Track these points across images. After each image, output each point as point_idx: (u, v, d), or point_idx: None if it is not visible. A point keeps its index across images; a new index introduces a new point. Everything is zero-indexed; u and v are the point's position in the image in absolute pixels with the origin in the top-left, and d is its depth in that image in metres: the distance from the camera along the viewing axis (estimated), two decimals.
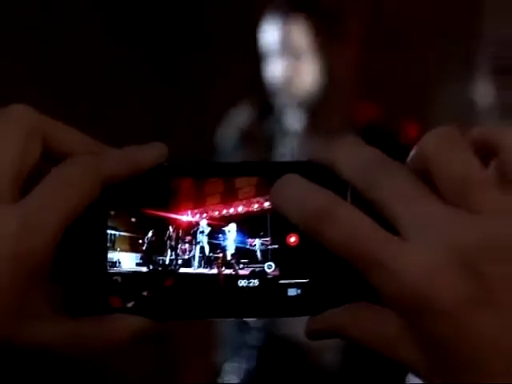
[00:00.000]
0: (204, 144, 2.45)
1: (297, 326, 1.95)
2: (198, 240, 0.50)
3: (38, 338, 0.47)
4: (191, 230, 0.50)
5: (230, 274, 0.50)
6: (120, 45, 3.61)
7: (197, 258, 0.50)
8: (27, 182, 0.47)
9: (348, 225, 0.44)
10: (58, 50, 3.37)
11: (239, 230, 0.50)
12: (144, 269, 0.50)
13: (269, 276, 0.50)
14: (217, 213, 0.50)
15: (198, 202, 0.50)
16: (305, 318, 0.49)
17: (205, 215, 0.50)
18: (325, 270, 0.49)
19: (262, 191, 0.49)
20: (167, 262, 0.50)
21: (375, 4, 3.18)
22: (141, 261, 0.50)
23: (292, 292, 0.50)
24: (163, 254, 0.50)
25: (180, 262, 0.50)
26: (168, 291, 0.50)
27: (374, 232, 0.44)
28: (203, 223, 0.50)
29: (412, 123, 2.29)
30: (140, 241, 0.50)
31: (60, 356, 0.49)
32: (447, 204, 0.44)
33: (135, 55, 3.63)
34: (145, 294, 0.50)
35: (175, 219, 0.50)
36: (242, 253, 0.50)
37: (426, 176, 0.45)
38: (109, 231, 0.50)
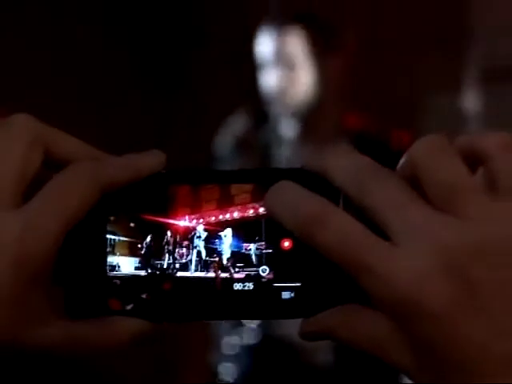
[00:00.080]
0: (202, 151, 2.45)
1: (290, 327, 1.95)
2: (194, 245, 0.50)
3: (38, 339, 0.47)
4: (188, 234, 0.50)
5: (226, 278, 0.50)
6: (120, 55, 3.60)
7: (194, 262, 0.50)
8: (29, 189, 0.47)
9: (340, 230, 0.44)
10: (60, 58, 3.35)
11: (235, 234, 0.50)
12: (143, 272, 0.50)
13: (263, 279, 0.50)
14: (213, 218, 0.50)
15: (194, 208, 0.50)
16: (298, 319, 0.49)
17: (201, 221, 0.50)
18: (318, 273, 0.49)
19: (256, 197, 0.49)
20: (165, 265, 0.50)
21: (367, 16, 3.19)
22: (139, 265, 0.50)
23: (286, 295, 0.49)
24: (161, 258, 0.50)
25: (177, 265, 0.50)
26: (166, 294, 0.50)
27: (365, 238, 0.44)
28: (200, 228, 0.50)
29: (402, 132, 2.30)
30: (139, 245, 0.50)
31: (60, 357, 0.48)
32: (436, 210, 0.44)
33: (135, 65, 3.62)
34: (144, 296, 0.50)
35: (173, 224, 0.50)
36: (238, 257, 0.50)
37: (415, 183, 0.45)
38: (108, 236, 0.50)
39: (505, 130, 0.46)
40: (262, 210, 0.49)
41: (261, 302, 0.50)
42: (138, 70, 3.64)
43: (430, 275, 0.42)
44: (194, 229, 0.50)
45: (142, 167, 0.49)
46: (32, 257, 0.45)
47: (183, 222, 0.50)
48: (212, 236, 0.50)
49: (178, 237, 0.50)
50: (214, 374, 2.29)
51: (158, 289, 0.50)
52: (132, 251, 0.50)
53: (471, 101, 3.24)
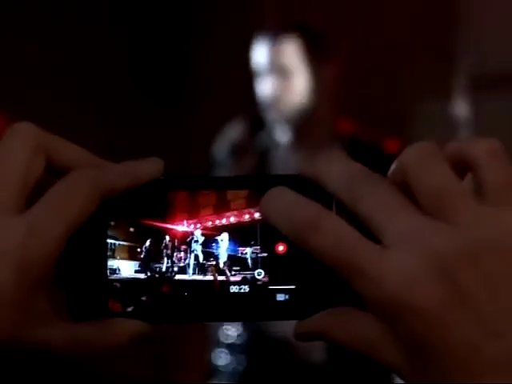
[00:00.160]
0: (202, 157, 2.46)
1: (285, 326, 1.95)
2: (192, 249, 0.50)
3: (41, 340, 0.47)
4: (186, 239, 0.50)
5: (223, 281, 0.50)
6: (119, 55, 3.57)
7: (191, 266, 0.50)
8: (32, 194, 0.47)
9: (333, 235, 0.44)
10: (60, 58, 3.32)
11: (231, 239, 0.50)
12: (142, 276, 0.50)
13: (259, 282, 0.50)
14: (210, 223, 0.50)
15: (192, 214, 0.50)
16: (293, 321, 0.49)
17: (199, 225, 0.50)
18: (311, 276, 0.49)
19: (252, 203, 0.49)
20: (164, 269, 0.50)
21: (359, 26, 3.19)
22: (139, 268, 0.50)
23: (280, 297, 0.49)
24: (160, 261, 0.50)
25: (176, 269, 0.50)
26: (165, 296, 0.50)
27: (357, 242, 0.44)
28: (197, 233, 0.50)
29: (393, 138, 2.30)
30: (138, 249, 0.50)
31: (63, 357, 0.48)
32: (426, 215, 0.44)
33: (134, 67, 3.60)
34: (143, 299, 0.50)
35: (171, 229, 0.50)
36: (234, 260, 0.50)
37: (405, 188, 0.45)
38: (109, 240, 0.50)
39: (494, 137, 0.46)
40: (257, 215, 0.49)
41: (256, 304, 0.50)
42: (138, 72, 3.62)
43: (420, 277, 0.42)
44: (192, 233, 0.50)
45: (140, 174, 0.49)
46: (35, 262, 0.45)
47: (181, 227, 0.50)
48: (209, 240, 0.50)
49: (176, 241, 0.50)
50: (211, 373, 2.29)
51: (157, 291, 0.50)
52: (132, 255, 0.50)
53: (461, 108, 3.24)
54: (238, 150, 2.30)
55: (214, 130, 2.42)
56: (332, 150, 0.47)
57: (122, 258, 0.50)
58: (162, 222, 0.50)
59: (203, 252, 0.50)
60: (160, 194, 0.50)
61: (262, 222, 0.48)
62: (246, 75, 2.29)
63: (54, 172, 0.49)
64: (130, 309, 0.50)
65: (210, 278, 0.50)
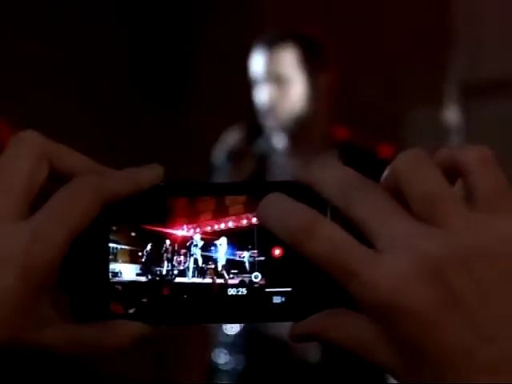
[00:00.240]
0: (201, 158, 2.46)
1: (282, 327, 1.95)
2: (192, 252, 0.50)
3: (45, 340, 0.47)
4: (186, 243, 0.50)
5: (221, 283, 0.50)
6: (119, 56, 3.55)
7: (191, 269, 0.50)
8: (35, 201, 0.47)
9: (327, 240, 0.44)
10: (60, 58, 3.30)
11: (229, 243, 0.50)
12: (143, 278, 0.50)
13: (256, 285, 0.50)
14: (209, 228, 0.50)
15: (191, 219, 0.50)
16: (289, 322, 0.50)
17: (198, 230, 0.50)
18: (307, 279, 0.49)
19: (249, 208, 0.49)
20: (164, 272, 0.50)
21: (354, 35, 3.19)
22: (140, 271, 0.50)
23: (277, 299, 0.49)
24: (160, 265, 0.50)
25: (176, 272, 0.50)
26: (165, 299, 0.50)
27: (350, 246, 0.44)
28: (197, 237, 0.50)
29: (386, 144, 2.31)
30: (139, 253, 0.50)
31: (65, 358, 0.48)
32: (418, 219, 0.44)
33: (134, 69, 3.58)
34: (144, 301, 0.50)
35: (171, 234, 0.50)
36: (232, 264, 0.50)
37: (398, 194, 0.45)
38: (111, 244, 0.50)
39: (484, 143, 0.46)
40: (254, 220, 0.49)
41: (254, 306, 0.50)
42: (138, 72, 3.60)
43: (413, 281, 0.42)
44: (191, 238, 0.50)
45: (141, 181, 0.49)
46: (38, 267, 0.45)
47: (181, 232, 0.50)
48: (208, 244, 0.50)
49: (176, 245, 0.50)
50: (211, 372, 2.29)
51: (158, 294, 0.50)
52: (133, 259, 0.50)
53: (452, 114, 3.24)
54: (236, 156, 2.31)
55: (213, 132, 2.42)
56: (326, 157, 0.47)
57: (123, 262, 0.50)
58: (163, 227, 0.50)
59: (202, 256, 0.50)
60: (160, 199, 0.50)
61: (259, 226, 0.48)
62: (245, 82, 2.29)
63: (57, 179, 0.49)
64: (131, 311, 0.50)
65: (208, 280, 0.50)
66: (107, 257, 0.50)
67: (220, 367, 2.25)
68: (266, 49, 2.22)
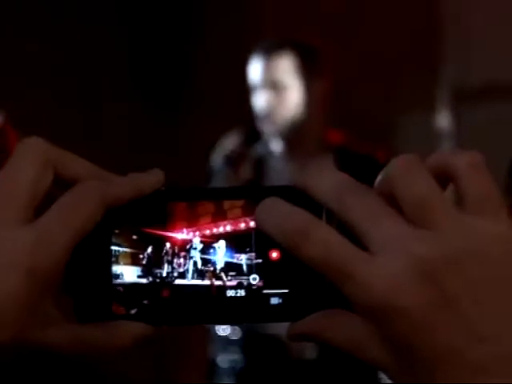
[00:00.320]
0: (202, 164, 2.46)
1: (280, 327, 1.96)
2: (191, 255, 0.50)
3: (49, 339, 0.47)
4: (185, 246, 0.50)
5: (220, 285, 0.50)
6: (119, 57, 3.54)
7: (190, 271, 0.50)
8: (40, 205, 0.48)
9: (322, 243, 0.44)
10: (60, 58, 3.27)
11: (228, 246, 0.50)
12: (144, 280, 0.50)
13: (254, 287, 0.50)
14: (208, 231, 0.50)
15: (191, 222, 0.50)
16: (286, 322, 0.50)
17: (197, 233, 0.50)
18: (303, 281, 0.49)
19: (247, 212, 0.49)
20: (164, 274, 0.50)
21: (348, 43, 3.20)
22: (141, 273, 0.50)
23: (274, 301, 0.50)
24: (161, 267, 0.50)
25: (176, 274, 0.50)
26: (165, 300, 0.50)
27: (345, 249, 0.44)
28: (196, 240, 0.50)
29: (379, 148, 2.31)
30: (140, 256, 0.50)
31: (69, 357, 0.49)
32: (410, 222, 0.44)
33: (136, 81, 3.57)
34: (145, 302, 0.50)
35: (171, 237, 0.50)
36: (230, 266, 0.50)
37: (391, 198, 0.45)
38: (113, 247, 0.50)
39: (475, 147, 0.46)
40: (252, 223, 0.49)
41: (251, 307, 0.50)
42: (138, 72, 3.58)
43: (405, 282, 0.42)
44: (191, 241, 0.50)
45: (143, 186, 0.49)
46: (43, 269, 0.46)
47: (181, 235, 0.50)
48: (207, 247, 0.50)
49: (176, 248, 0.50)
50: (211, 370, 2.30)
51: (158, 295, 0.50)
52: (134, 261, 0.50)
53: (444, 119, 3.25)
54: (234, 160, 2.31)
55: (212, 132, 2.43)
56: (322, 163, 0.47)
57: (125, 264, 0.50)
58: (163, 230, 0.50)
59: (201, 258, 0.50)
60: (161, 204, 0.50)
61: (257, 230, 0.48)
62: (244, 83, 2.30)
63: (61, 184, 0.49)
64: (133, 311, 0.50)
65: (207, 282, 0.50)
66: (109, 259, 0.50)
67: (219, 365, 2.25)
68: (263, 56, 2.23)
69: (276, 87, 2.22)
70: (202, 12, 3.60)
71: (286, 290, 0.49)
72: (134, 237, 0.50)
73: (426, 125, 3.21)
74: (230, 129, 2.39)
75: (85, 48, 3.36)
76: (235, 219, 0.50)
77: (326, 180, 0.47)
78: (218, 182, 2.30)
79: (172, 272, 0.50)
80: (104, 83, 3.41)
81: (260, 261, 0.50)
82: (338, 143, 2.31)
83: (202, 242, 0.50)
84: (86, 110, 3.35)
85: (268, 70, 2.22)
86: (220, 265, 0.50)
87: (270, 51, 2.24)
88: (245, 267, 0.50)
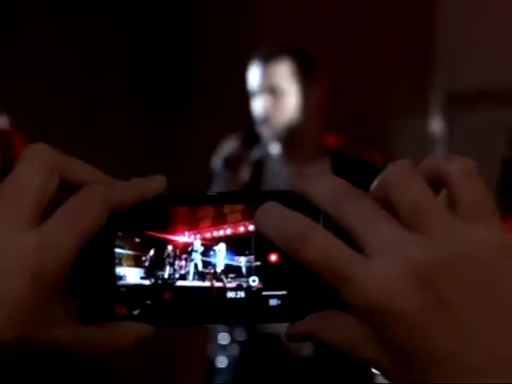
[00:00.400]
0: (202, 164, 2.46)
1: (278, 326, 1.96)
2: (192, 257, 0.50)
3: (55, 339, 0.48)
4: (187, 249, 0.50)
5: (220, 287, 0.50)
6: (120, 57, 3.52)
7: (191, 273, 0.50)
8: (46, 209, 0.48)
9: (320, 246, 0.44)
10: (60, 58, 3.25)
11: (228, 249, 0.50)
12: (147, 282, 0.50)
13: (253, 289, 0.50)
14: (208, 234, 0.50)
15: (192, 226, 0.50)
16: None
17: (198, 236, 0.50)
18: (301, 283, 0.49)
19: (247, 216, 0.49)
20: (166, 276, 0.50)
21: (343, 49, 3.20)
22: (144, 275, 0.50)
23: (273, 302, 0.50)
24: (163, 269, 0.50)
25: (177, 276, 0.50)
26: (167, 301, 0.50)
27: (342, 252, 0.44)
28: (197, 243, 0.50)
29: (374, 152, 2.32)
30: (143, 258, 0.50)
31: (73, 356, 0.49)
32: (405, 226, 0.44)
33: (136, 81, 3.55)
34: (147, 303, 0.50)
35: (173, 240, 0.50)
36: (230, 268, 0.50)
37: (387, 203, 0.45)
38: (116, 250, 0.50)
39: (468, 152, 0.46)
40: (251, 227, 0.49)
41: (251, 308, 0.50)
42: (138, 72, 3.56)
43: (401, 286, 0.42)
44: (192, 244, 0.50)
45: (145, 191, 0.49)
46: (49, 272, 0.46)
47: (182, 238, 0.50)
48: (207, 250, 0.50)
49: (177, 251, 0.50)
50: (210, 367, 2.30)
51: (160, 297, 0.50)
52: (137, 263, 0.50)
53: (437, 124, 3.25)
54: (232, 163, 2.32)
55: (212, 132, 2.43)
56: (320, 169, 0.48)
57: (128, 266, 0.50)
58: (165, 234, 0.50)
59: (202, 261, 0.50)
60: (163, 208, 0.50)
61: (256, 233, 0.49)
62: (244, 84, 2.30)
63: (66, 188, 0.49)
64: (135, 312, 0.50)
65: (208, 284, 0.50)
66: (113, 261, 0.50)
67: (218, 363, 2.25)
68: (261, 62, 2.24)
69: (274, 92, 2.22)
70: (202, 13, 3.59)
71: (285, 292, 0.50)
72: (137, 240, 0.50)
73: (419, 129, 3.21)
74: (230, 129, 2.39)
75: (85, 48, 3.34)
76: (235, 223, 0.50)
77: (324, 185, 0.47)
78: (218, 183, 2.31)
79: (174, 274, 0.50)
80: (104, 83, 3.39)
81: (259, 263, 0.50)
82: (335, 147, 2.32)
83: (202, 244, 0.50)
84: (86, 110, 3.33)
85: (266, 75, 2.23)
86: (220, 267, 0.50)
87: (268, 57, 2.24)
88: (244, 269, 0.50)
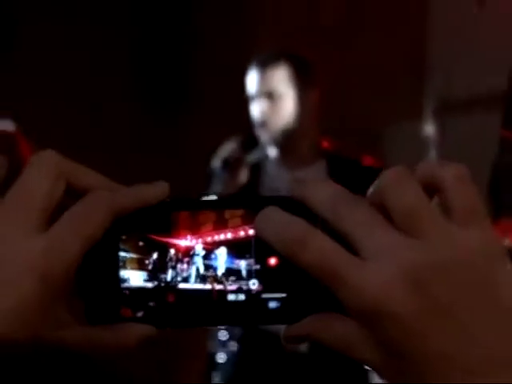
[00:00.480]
0: (201, 165, 2.46)
1: (276, 325, 1.97)
2: (194, 261, 0.50)
3: (62, 340, 0.48)
4: (189, 252, 0.50)
5: (221, 290, 0.50)
6: (120, 57, 3.50)
7: (193, 276, 0.50)
8: (53, 214, 0.48)
9: (318, 250, 0.44)
10: (60, 58, 3.23)
11: (228, 252, 0.50)
12: (150, 284, 0.50)
13: (253, 291, 0.50)
14: (210, 239, 0.50)
15: (194, 230, 0.50)
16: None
17: (200, 240, 0.50)
18: (300, 286, 0.49)
19: (247, 221, 0.50)
20: (169, 278, 0.50)
21: (339, 54, 3.20)
22: (147, 278, 0.50)
23: (272, 305, 0.50)
24: (165, 272, 0.50)
25: (179, 279, 0.50)
26: (169, 303, 0.50)
27: (339, 255, 0.44)
28: (198, 247, 0.50)
29: (368, 154, 2.32)
30: (146, 261, 0.50)
31: (79, 356, 0.49)
32: (400, 231, 0.44)
33: (136, 81, 3.54)
34: (151, 305, 0.50)
35: (175, 244, 0.50)
36: (231, 272, 0.50)
37: (383, 209, 0.46)
38: (121, 253, 0.50)
39: (461, 157, 0.47)
40: (251, 231, 0.50)
41: (251, 310, 0.50)
42: (139, 73, 3.54)
43: (396, 288, 0.42)
44: (194, 247, 0.50)
45: (148, 197, 0.50)
46: (55, 275, 0.46)
47: (184, 242, 0.50)
48: (209, 254, 0.50)
49: (179, 254, 0.50)
50: (210, 365, 2.31)
51: (163, 299, 0.50)
52: (141, 266, 0.50)
53: (431, 129, 3.25)
54: (231, 165, 2.32)
55: (212, 133, 2.43)
56: (317, 174, 0.48)
57: (132, 269, 0.50)
58: (168, 238, 0.50)
59: (203, 264, 0.50)
60: (166, 213, 0.50)
61: (256, 237, 0.49)
62: (243, 85, 2.30)
63: (72, 194, 0.49)
64: (139, 314, 0.50)
65: (209, 287, 0.50)
66: (117, 264, 0.50)
67: (220, 350, 2.26)
68: (259, 68, 2.25)
69: (271, 97, 2.23)
70: (202, 13, 3.59)
71: (284, 295, 0.50)
72: (141, 243, 0.50)
73: (413, 133, 3.21)
74: (230, 129, 2.40)
75: (85, 48, 3.33)
76: (235, 227, 0.50)
77: (322, 192, 0.47)
78: (217, 185, 2.31)
79: (176, 277, 0.50)
80: (104, 83, 3.38)
81: (259, 267, 0.50)
82: (331, 149, 2.32)
83: (204, 248, 0.50)
84: (86, 110, 3.32)
85: (264, 80, 2.24)
86: (221, 270, 0.50)
87: (265, 63, 2.25)
88: (244, 272, 0.50)
